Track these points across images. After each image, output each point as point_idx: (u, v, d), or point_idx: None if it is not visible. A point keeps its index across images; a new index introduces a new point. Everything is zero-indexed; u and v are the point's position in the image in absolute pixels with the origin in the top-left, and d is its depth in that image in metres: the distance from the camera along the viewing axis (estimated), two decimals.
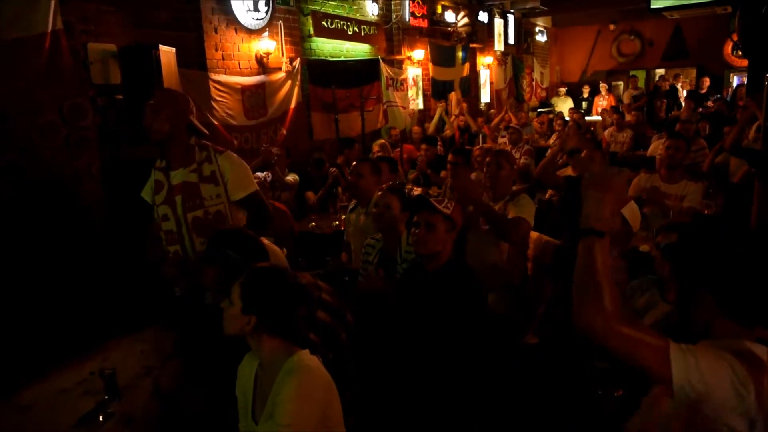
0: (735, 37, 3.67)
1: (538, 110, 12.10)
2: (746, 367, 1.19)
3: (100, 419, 1.96)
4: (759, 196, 3.70)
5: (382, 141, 6.01)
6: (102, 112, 4.36)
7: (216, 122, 5.38)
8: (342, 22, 7.27)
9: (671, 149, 3.87)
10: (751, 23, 3.40)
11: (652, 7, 5.24)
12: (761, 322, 1.29)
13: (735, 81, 11.94)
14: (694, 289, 1.30)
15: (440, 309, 2.12)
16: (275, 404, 1.56)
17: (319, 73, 6.88)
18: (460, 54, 10.19)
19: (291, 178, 5.23)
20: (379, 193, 2.90)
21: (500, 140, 7.05)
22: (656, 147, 6.46)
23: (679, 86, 11.54)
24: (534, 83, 13.82)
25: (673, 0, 5.19)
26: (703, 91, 11.03)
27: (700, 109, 9.64)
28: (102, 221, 4.25)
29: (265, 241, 2.49)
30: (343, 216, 3.92)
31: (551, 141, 8.11)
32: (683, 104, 9.16)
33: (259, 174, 4.77)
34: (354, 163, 3.52)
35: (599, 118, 10.43)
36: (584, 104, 12.69)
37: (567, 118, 8.97)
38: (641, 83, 14.22)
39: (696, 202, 3.70)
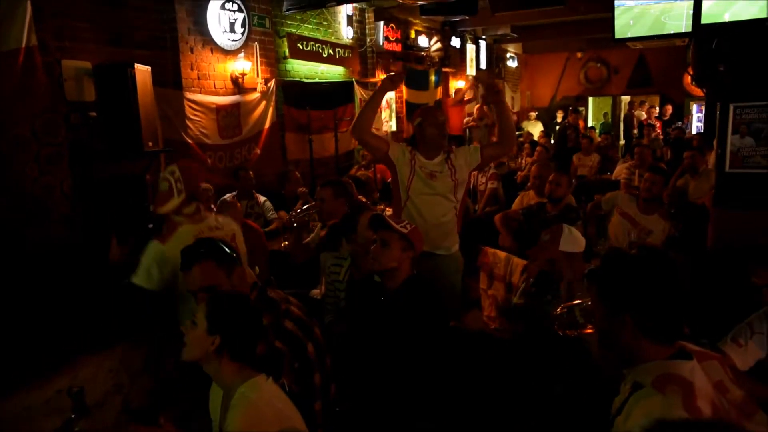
0: (690, 70, 3.89)
1: None
2: (681, 397, 1.25)
3: None
4: (714, 220, 3.89)
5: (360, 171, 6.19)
6: (75, 128, 4.34)
7: (190, 141, 5.40)
8: (317, 45, 7.38)
9: (648, 182, 3.95)
10: (704, 56, 3.61)
11: (616, 37, 5.46)
12: (678, 336, 1.38)
13: (694, 109, 12.43)
14: (616, 311, 1.37)
15: (399, 327, 2.17)
16: None
17: (294, 95, 6.97)
18: (433, 78, 10.41)
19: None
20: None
21: None
22: (620, 171, 6.69)
23: (643, 115, 11.95)
24: None
25: (636, 31, 5.43)
26: (666, 118, 11.50)
27: (662, 136, 10.03)
28: (72, 237, 4.20)
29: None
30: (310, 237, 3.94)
31: (523, 163, 8.33)
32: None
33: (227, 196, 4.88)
34: (318, 188, 3.58)
35: None
36: (558, 128, 13.01)
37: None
38: (607, 109, 14.74)
39: (658, 241, 3.78)
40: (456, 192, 3.14)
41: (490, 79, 3.23)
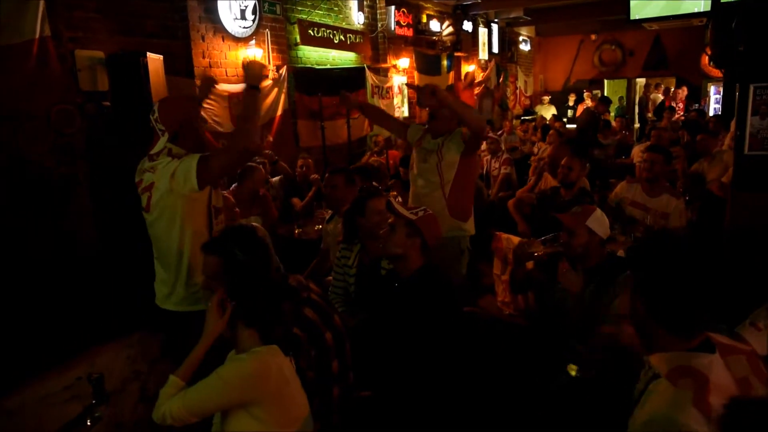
0: (709, 50, 3.80)
1: (522, 118, 12.27)
2: (692, 392, 1.21)
3: (88, 423, 1.98)
4: (732, 203, 3.83)
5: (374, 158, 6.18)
6: (89, 118, 4.37)
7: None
8: (328, 31, 7.34)
9: (648, 162, 3.76)
10: (723, 36, 3.52)
11: (631, 18, 5.36)
12: (697, 330, 1.31)
13: (712, 91, 12.20)
14: (634, 295, 1.35)
15: (408, 317, 2.16)
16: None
17: (306, 81, 6.95)
18: (444, 62, 10.32)
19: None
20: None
21: (482, 146, 7.15)
22: (636, 153, 6.60)
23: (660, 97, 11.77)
24: (518, 91, 13.99)
25: (652, 11, 5.32)
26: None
27: (684, 117, 9.87)
28: (88, 226, 4.25)
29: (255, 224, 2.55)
30: (319, 227, 3.99)
31: (535, 148, 8.24)
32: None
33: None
34: (327, 174, 3.59)
35: None
36: (570, 112, 12.87)
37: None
38: (622, 92, 14.52)
39: (681, 222, 3.60)
40: (442, 172, 3.09)
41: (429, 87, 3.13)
